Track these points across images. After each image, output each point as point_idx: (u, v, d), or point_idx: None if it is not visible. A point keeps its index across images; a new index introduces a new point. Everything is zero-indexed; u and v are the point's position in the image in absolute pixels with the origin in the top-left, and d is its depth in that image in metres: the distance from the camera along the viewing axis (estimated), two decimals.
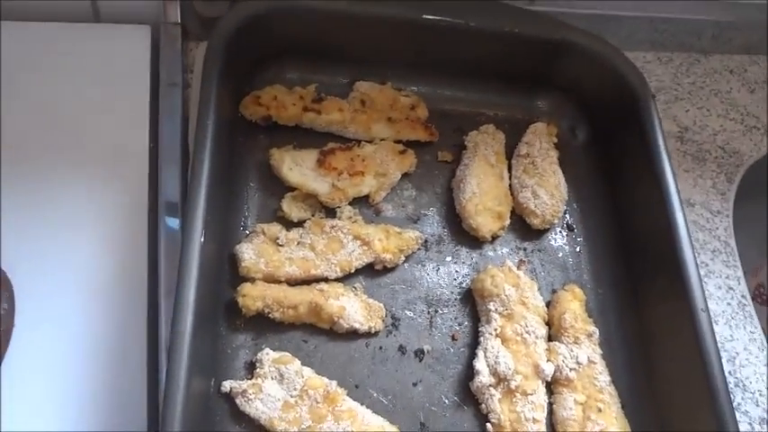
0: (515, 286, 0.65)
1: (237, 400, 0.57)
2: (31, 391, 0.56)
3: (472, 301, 0.67)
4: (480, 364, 0.62)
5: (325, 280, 0.64)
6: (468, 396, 0.62)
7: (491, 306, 0.64)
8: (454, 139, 0.74)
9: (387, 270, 0.66)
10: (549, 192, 0.70)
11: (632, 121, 0.71)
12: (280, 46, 0.71)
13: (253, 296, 0.60)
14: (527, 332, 0.63)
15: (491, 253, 0.70)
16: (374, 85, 0.73)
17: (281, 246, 0.63)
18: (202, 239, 0.56)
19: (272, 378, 0.58)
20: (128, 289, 0.60)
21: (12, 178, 0.63)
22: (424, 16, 0.70)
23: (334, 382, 0.59)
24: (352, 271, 0.64)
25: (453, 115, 0.75)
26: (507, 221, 0.70)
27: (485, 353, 0.63)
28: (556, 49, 0.73)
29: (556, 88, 0.77)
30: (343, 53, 0.73)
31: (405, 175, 0.71)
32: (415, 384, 0.63)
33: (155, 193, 0.65)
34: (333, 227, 0.65)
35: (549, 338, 0.65)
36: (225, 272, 0.63)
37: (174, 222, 0.63)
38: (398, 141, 0.71)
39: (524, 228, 0.71)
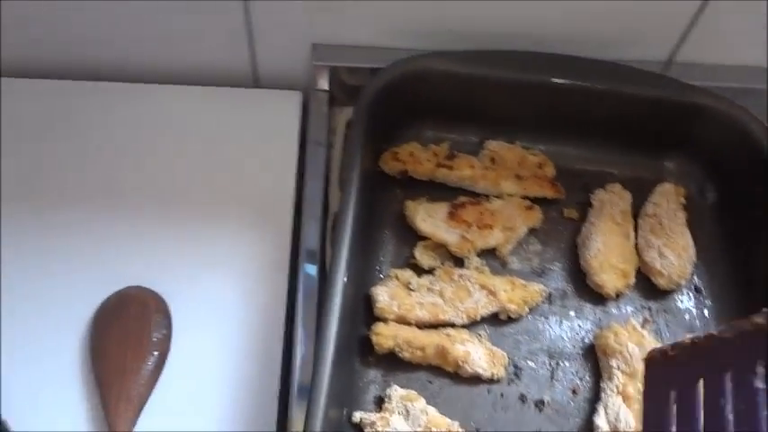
0: (639, 344, 0.66)
1: (366, 430, 0.62)
2: (178, 403, 0.63)
3: (594, 357, 0.68)
4: (600, 420, 0.63)
5: (452, 325, 0.67)
6: None
7: (613, 363, 0.66)
8: (580, 196, 0.77)
9: (511, 320, 0.69)
10: (676, 252, 0.71)
11: (764, 182, 0.71)
12: (416, 107, 0.77)
13: (386, 335, 0.64)
14: None
15: (615, 311, 0.71)
16: (503, 143, 0.77)
17: (412, 290, 0.68)
18: (345, 279, 0.61)
19: (399, 413, 0.62)
20: (267, 328, 0.67)
21: (176, 221, 0.72)
22: (553, 80, 0.74)
23: (457, 423, 0.62)
24: (478, 319, 0.68)
25: (580, 174, 0.78)
26: (632, 280, 0.71)
27: (605, 409, 0.64)
28: (685, 111, 0.74)
29: (684, 149, 0.78)
30: (474, 113, 0.78)
31: (531, 230, 0.74)
32: None
33: (296, 241, 0.71)
34: (461, 276, 0.69)
35: None
36: (361, 311, 0.68)
37: (312, 269, 0.69)
38: (526, 197, 0.75)
39: (650, 288, 0.72)
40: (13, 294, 0.67)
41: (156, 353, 0.64)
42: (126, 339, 0.64)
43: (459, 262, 0.72)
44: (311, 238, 0.71)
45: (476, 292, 0.68)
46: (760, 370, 0.39)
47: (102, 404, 0.61)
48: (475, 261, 0.71)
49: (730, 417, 0.39)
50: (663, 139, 0.78)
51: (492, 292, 0.68)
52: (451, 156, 0.76)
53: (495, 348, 0.67)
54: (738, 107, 0.73)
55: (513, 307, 0.68)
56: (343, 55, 0.78)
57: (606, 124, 0.77)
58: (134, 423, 0.61)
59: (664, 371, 0.46)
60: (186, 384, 0.64)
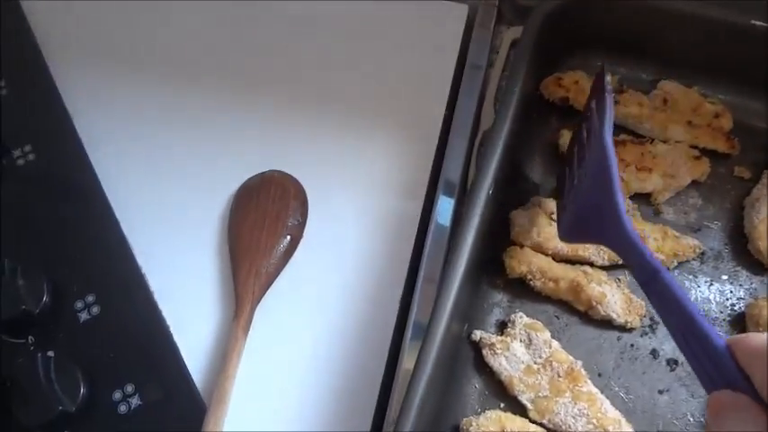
0: None
1: (484, 351, 0.60)
2: (300, 300, 0.63)
3: (742, 327, 0.62)
4: None
5: (591, 264, 0.64)
6: None
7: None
8: (756, 156, 0.69)
9: None
10: None
11: None
12: (588, 34, 0.72)
13: (519, 259, 0.62)
14: None
15: None
16: (679, 86, 0.71)
17: (553, 220, 0.65)
18: (491, 192, 0.59)
19: (521, 341, 0.60)
20: (394, 246, 0.65)
21: (325, 118, 0.72)
22: (752, 22, 0.66)
23: (580, 362, 0.59)
24: (619, 262, 0.64)
25: (761, 132, 0.70)
26: None
27: None
28: None
29: None
30: (651, 49, 0.72)
31: (694, 182, 0.68)
32: (661, 392, 0.60)
33: (440, 162, 0.69)
34: None
35: None
36: (498, 233, 0.65)
37: (448, 203, 0.67)
38: (694, 147, 0.69)
39: None
40: (164, 165, 0.69)
41: (288, 237, 0.65)
42: (262, 219, 0.65)
43: None
44: (454, 166, 0.68)
45: None
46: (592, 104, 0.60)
47: (234, 276, 0.63)
48: (627, 204, 0.66)
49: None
50: None
51: (641, 238, 0.63)
52: (620, 90, 0.71)
53: (633, 296, 0.63)
54: None
55: (661, 257, 0.63)
56: None
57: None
58: (258, 299, 0.62)
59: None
60: (311, 275, 0.64)
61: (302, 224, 0.66)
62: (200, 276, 0.64)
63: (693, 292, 0.64)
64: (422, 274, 0.63)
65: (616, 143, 0.67)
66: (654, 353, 0.62)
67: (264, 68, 0.75)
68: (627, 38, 0.72)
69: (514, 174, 0.68)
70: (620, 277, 0.64)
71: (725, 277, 0.65)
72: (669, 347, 0.62)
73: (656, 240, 0.64)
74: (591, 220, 0.55)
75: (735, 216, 0.67)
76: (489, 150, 0.61)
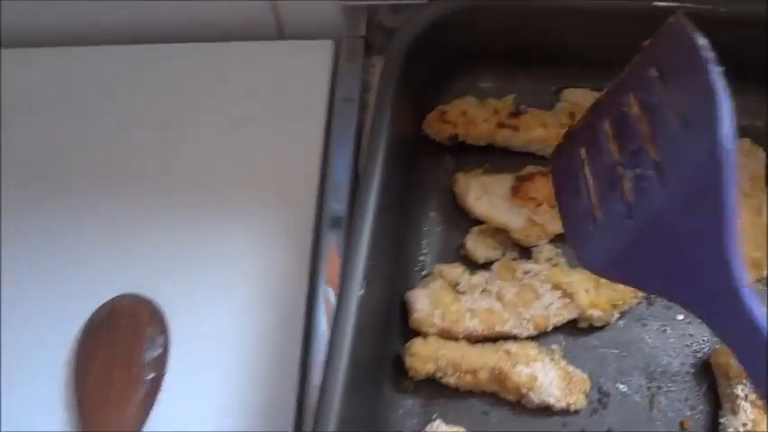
0: None
1: None
2: None
3: (711, 379, 0.51)
4: None
5: (514, 338, 0.52)
6: None
7: (739, 390, 0.48)
8: None
9: (594, 329, 0.53)
10: None
11: None
12: (472, 51, 0.60)
13: (423, 356, 0.50)
14: None
15: None
16: (587, 92, 0.59)
17: (461, 293, 0.53)
18: (363, 286, 0.47)
19: None
20: (283, 342, 0.54)
21: (178, 207, 0.60)
22: (654, 3, 0.54)
23: None
24: (549, 329, 0.52)
25: None
26: (766, 272, 0.52)
27: None
28: None
29: None
30: (550, 55, 0.60)
31: None
32: None
33: (320, 218, 0.58)
34: (527, 272, 0.53)
35: None
36: (396, 321, 0.54)
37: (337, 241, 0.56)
38: None
39: None
40: None
41: (149, 377, 0.53)
42: (113, 363, 0.53)
43: (525, 253, 0.55)
44: (336, 212, 0.57)
45: (546, 294, 0.52)
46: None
47: None
48: (546, 251, 0.55)
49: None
50: None
51: (567, 293, 0.52)
52: (518, 112, 0.59)
53: (572, 369, 0.51)
54: None
55: (596, 313, 0.52)
56: None
57: (724, 56, 0.57)
58: None
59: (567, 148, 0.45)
60: (185, 415, 0.53)
61: (164, 354, 0.55)
62: None
63: (645, 344, 0.52)
64: (311, 382, 0.52)
65: (522, 179, 0.56)
66: None
67: (97, 166, 0.63)
68: (520, 48, 0.60)
69: (407, 236, 0.56)
70: (552, 347, 0.52)
71: (681, 317, 0.53)
72: (628, 423, 0.50)
73: (587, 292, 0.52)
74: (661, 256, 0.36)
75: None
76: (359, 216, 0.49)
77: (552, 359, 0.51)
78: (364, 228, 0.49)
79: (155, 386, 0.53)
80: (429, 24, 0.57)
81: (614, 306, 0.52)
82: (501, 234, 0.56)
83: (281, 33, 0.68)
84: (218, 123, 0.64)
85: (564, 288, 0.52)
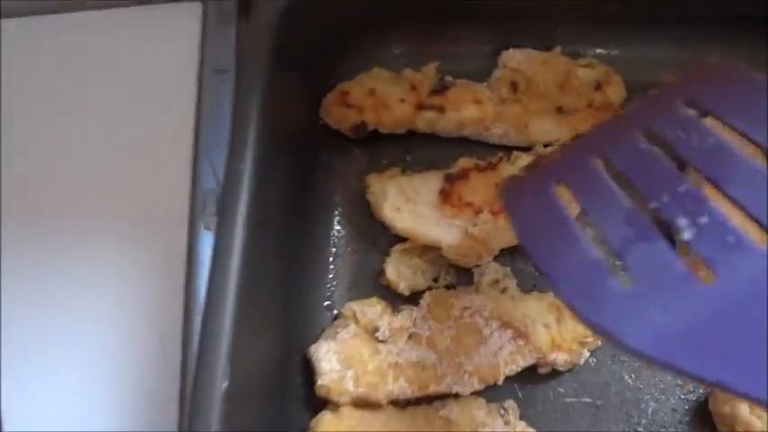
0: None
1: None
2: None
3: (711, 428, 0.39)
4: None
5: (456, 396, 0.39)
6: None
7: None
8: None
9: (559, 373, 0.40)
10: None
11: None
12: (378, 7, 0.45)
13: None
14: None
15: None
16: (533, 53, 0.45)
17: (381, 341, 0.39)
18: (226, 381, 0.33)
19: None
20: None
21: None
22: None
23: None
24: (500, 382, 0.39)
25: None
26: None
27: None
28: None
29: None
30: (481, 7, 0.45)
31: None
32: None
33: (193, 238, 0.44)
34: (466, 308, 0.39)
35: None
36: (295, 384, 0.40)
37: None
38: None
39: None
40: None
41: None
42: None
43: (464, 275, 0.42)
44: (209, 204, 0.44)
45: (493, 335, 0.39)
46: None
47: None
48: (492, 272, 0.41)
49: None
50: None
51: (521, 333, 0.39)
52: (442, 86, 0.44)
53: (529, 430, 0.39)
54: None
55: (561, 356, 0.39)
56: None
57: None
58: None
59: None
60: None
61: None
62: None
63: (624, 389, 0.40)
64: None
65: (452, 178, 0.42)
66: None
67: None
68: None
69: (301, 268, 0.42)
70: (505, 404, 0.39)
71: None
72: None
73: (547, 328, 0.39)
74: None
75: None
76: (221, 252, 0.35)
77: (506, 421, 0.39)
78: (230, 262, 0.34)
79: None
80: None
81: (582, 344, 0.39)
82: (430, 252, 0.42)
83: None
84: (62, 109, 0.49)
85: (516, 326, 0.39)
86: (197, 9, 0.51)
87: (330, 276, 0.43)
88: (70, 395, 0.43)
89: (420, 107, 0.43)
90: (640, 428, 0.40)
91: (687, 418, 0.40)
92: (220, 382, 0.33)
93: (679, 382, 0.40)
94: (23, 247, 0.46)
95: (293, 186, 0.42)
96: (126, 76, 0.50)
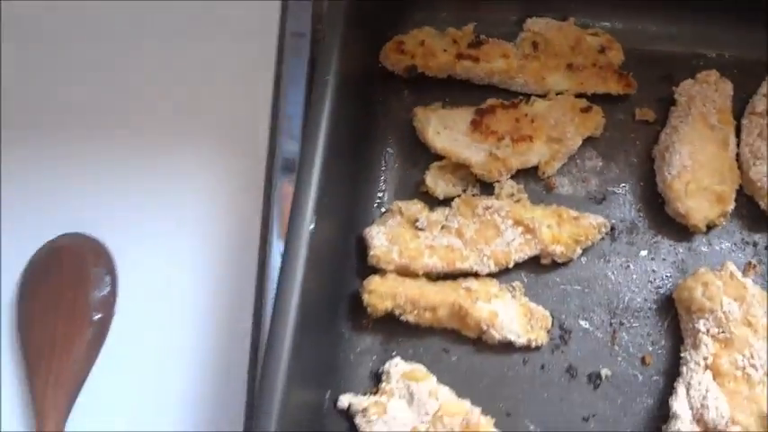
0: (739, 300, 0.47)
1: (357, 420, 0.47)
2: (125, 386, 0.50)
3: (674, 314, 0.50)
4: (680, 404, 0.46)
5: (475, 275, 0.50)
6: None
7: (701, 325, 0.47)
8: (660, 91, 0.56)
9: (557, 265, 0.51)
10: None
11: None
12: None
13: (381, 293, 0.48)
14: (752, 366, 0.45)
15: (705, 248, 0.52)
16: (551, 21, 0.57)
17: (420, 230, 0.51)
18: (314, 222, 0.44)
19: (400, 396, 0.47)
20: (236, 275, 0.52)
21: (119, 146, 0.57)
22: None
23: (478, 410, 0.46)
24: (511, 266, 0.50)
25: (659, 59, 0.57)
26: (731, 206, 0.51)
27: (687, 389, 0.46)
28: None
29: None
30: None
31: (588, 140, 0.54)
32: (586, 419, 0.48)
33: (272, 157, 0.55)
34: (487, 208, 0.51)
35: None
36: (352, 259, 0.51)
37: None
38: (581, 96, 0.55)
39: (756, 216, 0.52)
40: None
41: (95, 317, 0.51)
42: (56, 305, 0.51)
43: (486, 188, 0.53)
44: (289, 152, 0.55)
45: (508, 230, 0.50)
46: None
47: (29, 388, 0.49)
48: (508, 187, 0.53)
49: None
50: None
51: (530, 230, 0.50)
52: (478, 42, 0.56)
53: (533, 305, 0.50)
54: None
55: (559, 248, 0.50)
56: None
57: None
58: (67, 410, 0.48)
59: None
60: (136, 355, 0.51)
61: (112, 295, 0.52)
62: None
63: (608, 280, 0.51)
64: (265, 326, 0.49)
65: (482, 112, 0.54)
66: (571, 370, 0.49)
67: (30, 98, 0.58)
68: None
69: (363, 174, 0.54)
70: (514, 284, 0.51)
71: (643, 253, 0.52)
72: (589, 358, 0.49)
73: (549, 228, 0.50)
74: None
75: (644, 171, 0.54)
76: (308, 153, 0.47)
77: (513, 296, 0.50)
78: (313, 163, 0.46)
79: (102, 328, 0.51)
80: None
81: (577, 242, 0.51)
82: (462, 170, 0.53)
83: None
84: (164, 63, 0.60)
85: (526, 224, 0.50)
86: None
87: (381, 185, 0.55)
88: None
89: (459, 56, 0.55)
90: (618, 311, 0.50)
91: (655, 306, 0.51)
92: (302, 250, 0.44)
93: (650, 279, 0.51)
94: None
95: (357, 116, 0.53)
96: (211, 37, 0.60)
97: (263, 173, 0.55)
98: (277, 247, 0.52)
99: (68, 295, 0.51)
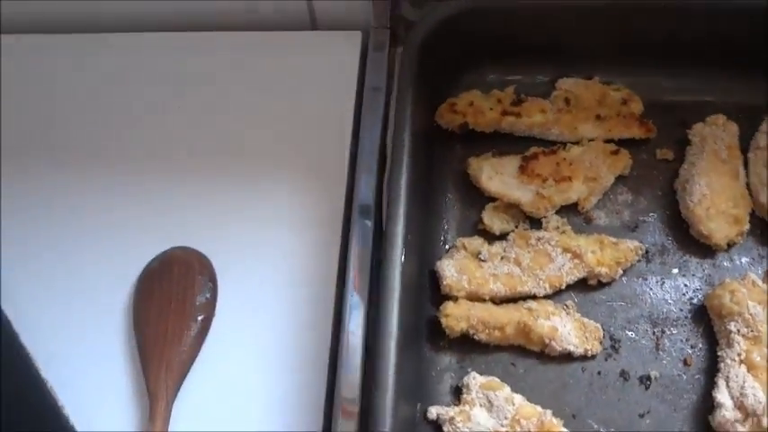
0: (762, 303, 0.55)
1: (445, 428, 0.54)
2: (220, 379, 0.58)
3: (707, 320, 0.58)
4: (722, 395, 0.53)
5: (534, 297, 0.58)
6: (709, 431, 0.54)
7: (732, 326, 0.55)
8: (676, 134, 0.65)
9: (602, 285, 0.60)
10: None
11: None
12: (477, 47, 0.67)
13: (456, 316, 0.56)
14: None
15: (727, 263, 0.60)
16: (579, 80, 0.67)
17: (483, 261, 0.59)
18: (403, 258, 0.53)
19: (481, 405, 0.54)
20: (317, 290, 0.60)
21: (224, 176, 0.66)
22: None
23: (549, 412, 0.54)
24: (563, 287, 0.59)
25: (673, 107, 0.66)
26: (746, 226, 0.60)
27: (727, 382, 0.54)
28: None
29: None
30: (543, 50, 0.67)
31: (619, 178, 0.63)
32: (641, 416, 0.55)
33: (351, 197, 0.63)
34: (539, 239, 0.59)
35: None
36: (426, 289, 0.60)
37: (366, 226, 0.61)
38: (610, 141, 0.64)
39: None
40: (57, 258, 0.62)
41: (199, 317, 0.59)
42: (168, 304, 0.59)
43: (535, 223, 0.62)
44: (366, 192, 0.62)
45: (558, 257, 0.59)
46: None
47: (144, 373, 0.56)
48: (554, 220, 0.61)
49: None
50: None
51: (577, 255, 0.59)
52: (519, 101, 0.66)
53: (586, 320, 0.58)
54: None
55: (603, 270, 0.59)
56: None
57: (699, 45, 0.65)
58: (175, 392, 0.56)
59: None
60: (231, 353, 0.58)
61: (213, 299, 0.60)
62: (110, 380, 0.57)
63: (647, 296, 0.59)
64: (346, 341, 0.56)
65: (527, 158, 0.63)
66: (624, 374, 0.57)
67: (150, 135, 0.68)
68: (517, 44, 0.67)
69: (429, 217, 0.63)
70: (567, 303, 0.59)
71: (675, 271, 0.60)
72: (638, 363, 0.57)
73: (593, 253, 0.59)
74: None
75: (669, 202, 0.63)
76: (393, 201, 0.56)
77: (568, 313, 0.58)
78: (399, 205, 0.55)
79: (205, 326, 0.59)
80: (438, 23, 0.64)
81: (618, 264, 0.59)
82: (513, 208, 0.62)
83: (313, 24, 0.73)
84: (258, 107, 0.69)
85: (573, 251, 0.59)
86: (358, 36, 0.71)
87: (444, 225, 0.63)
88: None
89: (504, 113, 0.65)
90: (659, 321, 0.58)
91: (690, 315, 0.59)
92: (397, 282, 0.53)
93: (683, 292, 0.59)
94: None
95: (422, 167, 0.62)
96: (299, 87, 0.69)
97: (341, 215, 0.63)
98: (351, 275, 0.58)
99: (177, 297, 0.59)
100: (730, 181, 0.61)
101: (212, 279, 0.61)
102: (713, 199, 0.60)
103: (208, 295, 0.60)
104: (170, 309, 0.58)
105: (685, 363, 0.57)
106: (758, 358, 0.54)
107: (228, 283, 0.61)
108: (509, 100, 0.65)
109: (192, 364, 0.57)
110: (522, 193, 0.62)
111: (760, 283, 0.56)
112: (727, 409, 0.52)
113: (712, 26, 0.63)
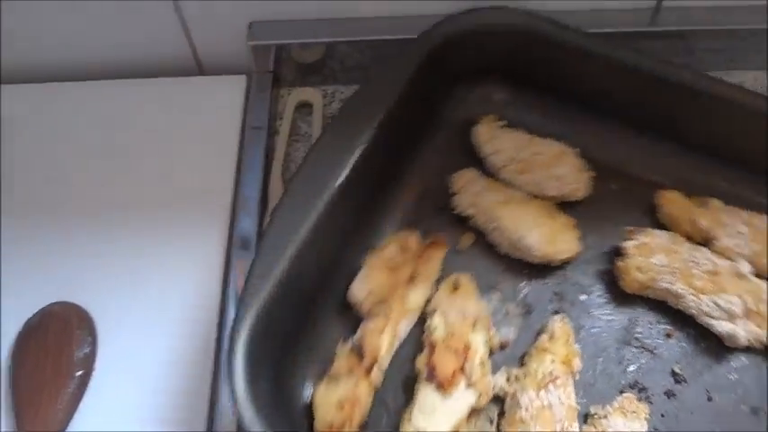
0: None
1: None
2: None
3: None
4: None
5: None
6: None
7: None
8: None
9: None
10: None
11: None
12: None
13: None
14: None
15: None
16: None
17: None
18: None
19: None
20: (200, 340, 0.59)
21: (105, 227, 0.64)
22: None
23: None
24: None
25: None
26: None
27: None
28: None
29: None
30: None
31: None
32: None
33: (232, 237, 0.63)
34: None
35: None
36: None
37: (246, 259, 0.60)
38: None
39: None
40: None
41: (77, 373, 0.57)
42: (44, 361, 0.57)
43: None
44: (245, 230, 0.62)
45: None
46: None
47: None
48: None
49: None
50: None
51: None
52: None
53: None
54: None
55: None
56: (284, 31, 0.69)
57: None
58: None
59: None
60: (111, 405, 0.56)
61: (92, 353, 0.58)
62: None
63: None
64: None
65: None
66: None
67: (32, 186, 0.66)
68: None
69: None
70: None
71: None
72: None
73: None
74: None
75: None
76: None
77: None
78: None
79: (84, 381, 0.57)
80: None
81: None
82: None
83: (200, 69, 0.74)
84: (143, 153, 0.68)
85: None
86: (242, 80, 0.71)
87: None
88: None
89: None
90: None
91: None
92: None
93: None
94: None
95: None
96: (184, 129, 0.69)
97: (224, 250, 0.62)
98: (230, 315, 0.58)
99: (55, 354, 0.57)
100: None
101: (92, 333, 0.59)
102: None
103: (87, 350, 0.58)
104: (47, 367, 0.57)
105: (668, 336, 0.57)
106: None
107: (110, 334, 0.59)
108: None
109: (69, 420, 0.55)
110: None
111: None
112: None
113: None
